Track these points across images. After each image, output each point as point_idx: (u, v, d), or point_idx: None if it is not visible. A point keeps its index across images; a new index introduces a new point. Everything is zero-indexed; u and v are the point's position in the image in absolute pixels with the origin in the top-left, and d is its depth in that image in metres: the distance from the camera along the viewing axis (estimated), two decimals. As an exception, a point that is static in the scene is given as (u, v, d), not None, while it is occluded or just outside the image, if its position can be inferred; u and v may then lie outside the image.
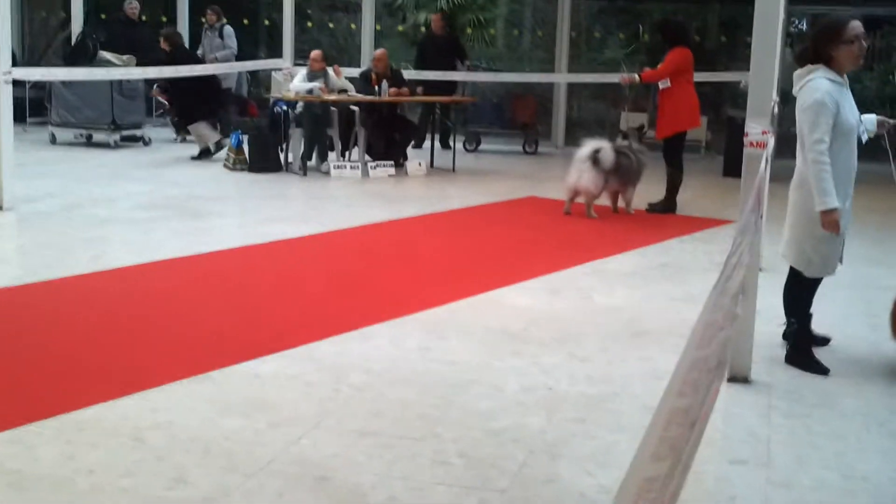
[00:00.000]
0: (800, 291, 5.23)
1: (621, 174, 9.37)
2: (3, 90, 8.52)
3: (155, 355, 4.92)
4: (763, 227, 5.81)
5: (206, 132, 12.75)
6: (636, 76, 10.04)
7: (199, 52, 15.56)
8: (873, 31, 17.78)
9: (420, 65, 14.98)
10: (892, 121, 5.42)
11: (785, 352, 5.25)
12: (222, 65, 14.88)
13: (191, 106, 12.73)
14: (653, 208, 9.80)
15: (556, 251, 7.90)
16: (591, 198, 9.31)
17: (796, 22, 17.98)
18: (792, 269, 5.24)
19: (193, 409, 4.16)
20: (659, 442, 1.47)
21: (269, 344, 5.07)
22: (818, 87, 4.85)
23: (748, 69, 4.95)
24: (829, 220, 4.82)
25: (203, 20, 15.71)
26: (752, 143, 4.76)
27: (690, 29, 11.75)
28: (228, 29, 15.31)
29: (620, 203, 9.67)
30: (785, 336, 5.35)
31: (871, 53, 16.77)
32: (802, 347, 5.18)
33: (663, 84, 9.71)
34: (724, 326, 2.19)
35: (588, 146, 9.33)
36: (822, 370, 5.03)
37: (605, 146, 9.29)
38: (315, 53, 12.28)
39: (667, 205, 9.81)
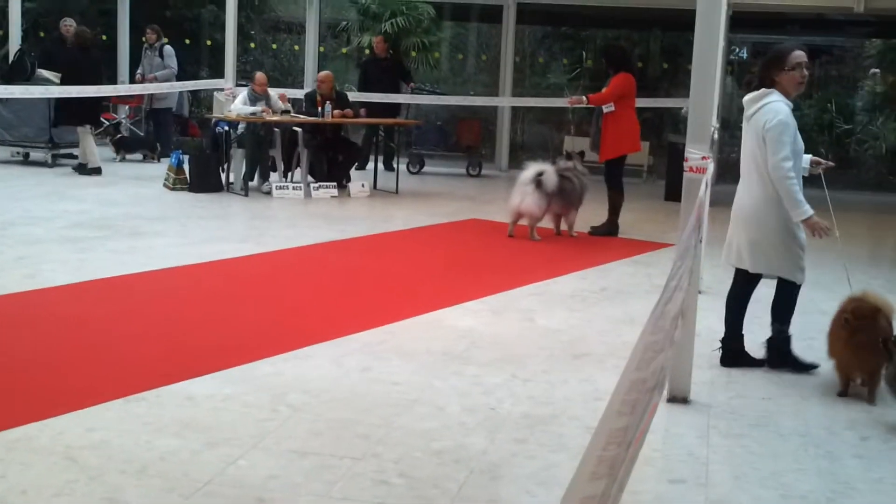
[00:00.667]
0: (789, 299, 5.49)
1: (564, 197, 9.42)
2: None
3: (88, 375, 4.82)
4: (703, 251, 5.88)
5: (92, 149, 12.60)
6: (584, 97, 10.12)
7: (139, 71, 15.43)
8: (813, 61, 18.11)
9: (363, 86, 14.98)
10: (825, 162, 5.71)
11: (766, 357, 5.52)
12: (164, 84, 14.75)
13: (73, 109, 12.51)
14: (595, 231, 9.87)
15: (497, 273, 7.89)
16: (534, 220, 9.35)
17: (737, 50, 18.28)
18: (779, 282, 5.48)
19: (128, 429, 4.07)
20: (597, 461, 1.46)
21: (205, 364, 4.99)
22: (779, 109, 5.18)
23: (689, 95, 5.00)
24: (813, 224, 5.13)
25: (143, 39, 15.56)
26: (691, 168, 4.80)
27: (633, 55, 11.90)
28: (168, 49, 15.19)
29: (563, 226, 9.70)
30: (770, 341, 5.56)
31: (810, 82, 17.15)
32: (786, 350, 5.50)
33: (607, 108, 9.80)
34: (664, 348, 2.19)
35: (531, 169, 9.38)
36: (811, 366, 5.43)
37: (547, 169, 9.34)
38: (259, 76, 12.20)
39: (609, 227, 9.89)
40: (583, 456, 1.49)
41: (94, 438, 3.94)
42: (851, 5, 12.52)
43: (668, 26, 17.46)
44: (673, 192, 12.46)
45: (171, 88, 14.95)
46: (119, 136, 14.71)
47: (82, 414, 4.21)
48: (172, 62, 15.13)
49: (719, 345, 5.57)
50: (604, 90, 9.90)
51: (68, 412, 4.21)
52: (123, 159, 14.03)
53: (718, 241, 5.63)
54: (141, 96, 15.28)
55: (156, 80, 14.80)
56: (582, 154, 10.04)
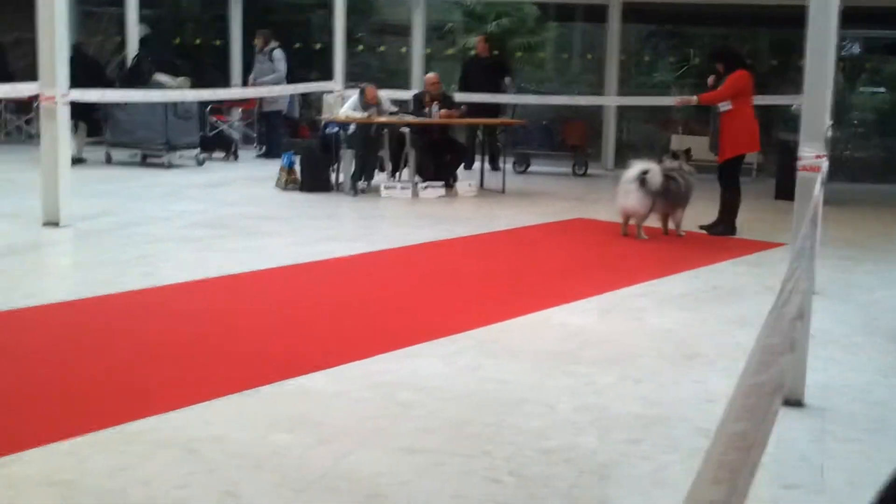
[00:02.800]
0: None
1: (670, 196, 9.32)
2: (60, 111, 8.67)
3: (206, 369, 4.97)
4: (817, 251, 5.76)
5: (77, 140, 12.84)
6: (693, 98, 9.98)
7: (252, 77, 15.76)
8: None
9: (464, 87, 15.02)
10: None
11: None
12: (275, 87, 15.04)
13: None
14: (711, 231, 9.70)
15: (606, 272, 7.86)
16: (639, 219, 9.29)
17: (848, 45, 17.83)
18: None
19: (245, 423, 4.18)
20: (717, 466, 1.47)
21: (319, 360, 5.09)
22: None
23: (799, 92, 4.92)
24: None
25: (253, 44, 15.90)
26: (805, 167, 4.72)
27: (743, 53, 11.72)
28: (278, 52, 15.48)
29: (670, 225, 9.61)
30: None
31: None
32: None
33: (724, 107, 9.65)
34: (783, 351, 2.17)
35: (635, 167, 9.29)
36: None
37: (652, 167, 9.24)
38: (369, 91, 12.25)
39: (726, 227, 9.72)
40: (703, 460, 1.50)
41: (212, 432, 4.06)
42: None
43: (775, 23, 17.11)
44: (783, 191, 12.21)
45: (282, 92, 15.25)
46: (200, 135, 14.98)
47: (201, 407, 4.34)
48: (280, 66, 15.41)
49: None
50: (719, 88, 9.75)
51: (188, 405, 4.34)
52: (208, 158, 14.40)
53: (832, 241, 5.52)
54: (254, 100, 15.62)
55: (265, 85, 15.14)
56: (688, 152, 9.92)
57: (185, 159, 14.00)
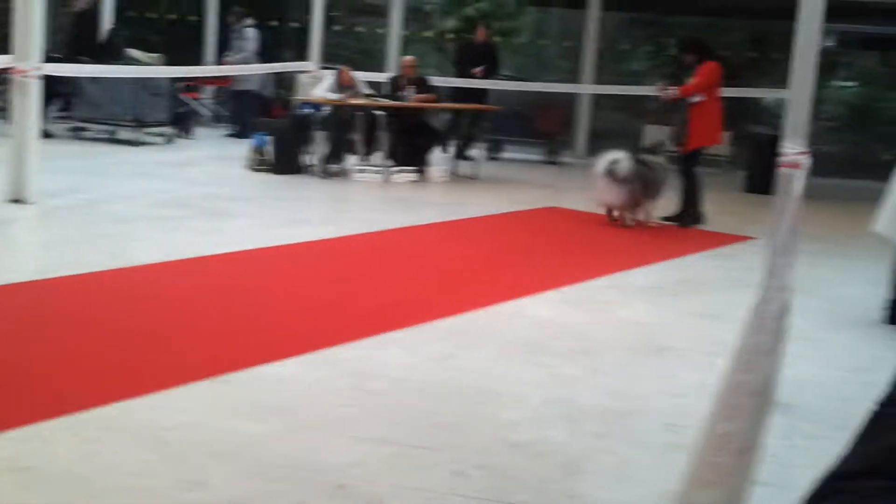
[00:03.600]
0: None
1: (643, 184, 9.34)
2: (32, 85, 8.55)
3: (176, 355, 4.91)
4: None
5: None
6: (675, 90, 9.93)
7: (228, 52, 15.65)
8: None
9: (459, 71, 14.94)
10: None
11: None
12: (251, 66, 14.92)
13: None
14: (681, 221, 9.68)
15: (577, 262, 7.87)
16: (622, 209, 9.37)
17: (822, 40, 17.88)
18: None
19: (215, 410, 4.14)
20: (709, 468, 1.45)
21: (289, 347, 5.05)
22: None
23: (775, 85, 4.93)
24: None
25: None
26: (787, 164, 4.72)
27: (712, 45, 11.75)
28: (250, 31, 15.36)
29: (641, 216, 9.62)
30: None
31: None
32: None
33: (695, 98, 9.65)
34: (771, 350, 2.16)
35: (604, 159, 9.32)
36: None
37: (620, 157, 9.26)
38: (344, 75, 12.17)
39: (693, 217, 9.70)
40: (693, 461, 1.48)
41: (181, 419, 4.01)
42: (946, -4, 12.16)
43: (753, 14, 17.15)
44: (754, 184, 12.30)
45: (256, 70, 15.12)
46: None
47: (170, 394, 4.29)
48: (249, 44, 15.28)
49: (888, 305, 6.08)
50: (691, 80, 9.75)
51: (157, 391, 4.29)
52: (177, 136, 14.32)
53: (808, 236, 5.54)
54: (228, 77, 15.48)
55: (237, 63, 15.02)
56: (662, 144, 9.93)
57: (154, 136, 13.86)
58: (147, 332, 5.23)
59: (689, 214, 9.76)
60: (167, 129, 13.96)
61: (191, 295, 6.10)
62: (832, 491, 0.66)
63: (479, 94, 14.53)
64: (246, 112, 15.39)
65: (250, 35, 15.36)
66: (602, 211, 9.56)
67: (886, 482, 0.65)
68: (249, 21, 15.45)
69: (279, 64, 15.96)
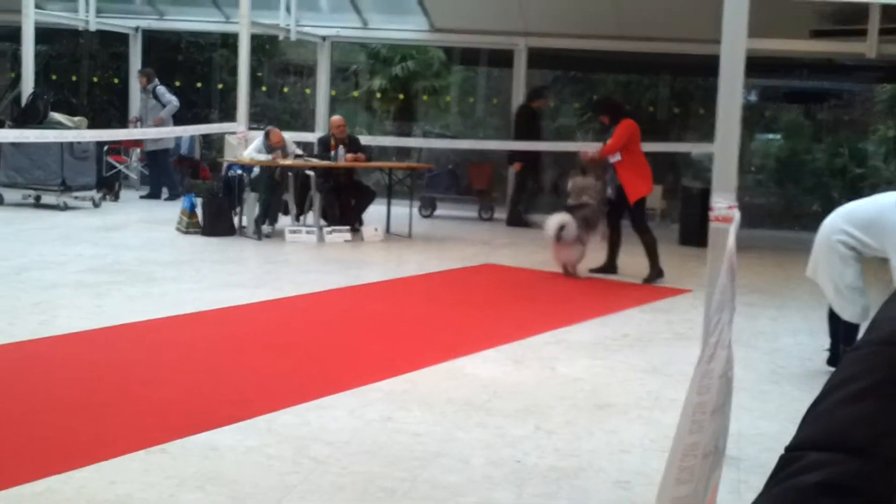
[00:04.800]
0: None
1: (589, 228, 9.72)
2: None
3: (108, 426, 4.75)
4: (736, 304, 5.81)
5: None
6: (596, 153, 10.06)
7: (135, 115, 15.53)
8: (822, 104, 18.18)
9: (518, 135, 15.07)
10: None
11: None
12: (178, 128, 14.80)
13: None
14: (648, 280, 9.71)
15: (516, 320, 7.83)
16: (573, 264, 9.74)
17: (745, 94, 18.31)
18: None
19: (151, 482, 4.00)
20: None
21: (226, 414, 4.91)
22: None
23: (700, 139, 4.98)
24: None
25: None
26: (717, 218, 4.74)
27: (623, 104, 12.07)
28: (160, 88, 15.27)
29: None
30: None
31: (820, 126, 17.12)
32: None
33: (614, 158, 9.81)
34: (716, 409, 2.12)
35: (551, 223, 9.52)
36: None
37: (566, 221, 9.46)
38: (274, 135, 12.13)
39: (655, 272, 9.75)
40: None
41: (117, 492, 3.87)
42: (863, 51, 12.52)
43: (677, 70, 17.51)
44: (687, 237, 12.44)
45: (183, 132, 15.01)
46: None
47: (104, 466, 4.14)
48: (167, 97, 15.16)
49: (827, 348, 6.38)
50: (608, 141, 9.89)
51: (90, 464, 4.13)
52: (104, 197, 14.12)
53: (744, 288, 5.58)
54: (141, 140, 15.32)
55: (162, 121, 14.88)
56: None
57: (80, 201, 13.62)
58: (77, 403, 5.06)
59: (652, 269, 9.77)
60: (94, 193, 13.73)
61: (123, 363, 5.93)
62: None
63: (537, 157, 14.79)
64: (161, 173, 15.21)
65: (164, 90, 15.23)
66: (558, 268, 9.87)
67: None
68: (157, 82, 15.32)
69: (206, 125, 15.86)
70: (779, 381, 6.21)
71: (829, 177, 17.52)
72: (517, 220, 14.24)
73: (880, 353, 0.71)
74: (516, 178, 14.77)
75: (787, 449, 0.73)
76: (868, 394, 0.69)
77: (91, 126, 14.53)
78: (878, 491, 0.62)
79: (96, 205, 13.69)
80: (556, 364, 6.39)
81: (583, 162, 10.22)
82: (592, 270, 9.99)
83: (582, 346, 6.92)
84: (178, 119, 15.63)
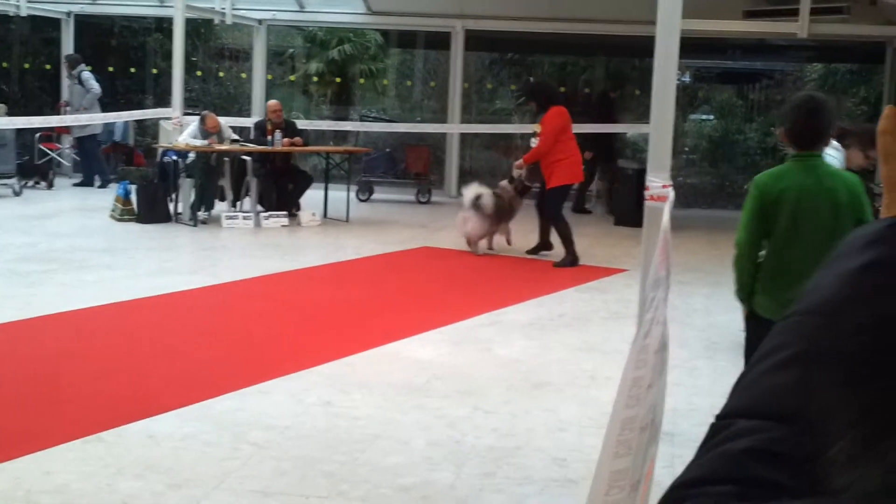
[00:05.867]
0: None
1: (497, 214, 9.82)
2: None
3: (43, 415, 4.70)
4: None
5: None
6: (521, 162, 10.01)
7: (63, 101, 15.27)
8: (754, 85, 18.42)
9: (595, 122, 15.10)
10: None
11: None
12: (111, 114, 14.58)
13: None
14: (560, 264, 9.72)
15: (453, 302, 7.87)
16: (478, 239, 9.87)
17: (679, 75, 18.50)
18: None
19: (88, 471, 3.97)
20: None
21: (164, 401, 4.89)
22: None
23: (634, 120, 5.03)
24: None
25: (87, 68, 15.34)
26: (653, 197, 4.80)
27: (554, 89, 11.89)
28: (85, 74, 14.95)
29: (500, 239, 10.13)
30: None
31: (752, 106, 17.36)
32: None
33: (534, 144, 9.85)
34: (652, 383, 2.17)
35: (468, 193, 9.71)
36: None
37: (483, 191, 9.58)
38: (210, 119, 11.99)
39: (570, 259, 9.77)
40: (587, 500, 1.46)
41: (53, 482, 3.84)
42: (795, 31, 12.70)
43: (613, 52, 17.63)
44: (622, 217, 12.56)
45: (117, 118, 14.78)
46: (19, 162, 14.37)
47: (40, 456, 4.10)
48: (92, 84, 14.89)
49: None
50: (538, 136, 9.81)
51: (26, 454, 4.10)
52: (26, 187, 13.87)
53: (678, 267, 5.66)
54: (69, 126, 15.05)
55: (85, 110, 14.61)
56: (519, 178, 10.10)
57: (1, 188, 13.35)
58: (11, 394, 5.01)
59: (567, 256, 9.77)
60: (14, 181, 13.44)
61: (57, 352, 5.87)
62: (677, 498, 0.71)
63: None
64: (89, 159, 14.95)
65: (89, 76, 14.96)
66: (465, 245, 9.97)
67: (729, 487, 0.70)
68: (83, 66, 15.05)
69: (140, 111, 15.63)
70: (712, 356, 6.33)
71: (761, 156, 17.78)
72: (580, 207, 14.27)
73: (804, 323, 0.74)
74: (587, 167, 14.88)
75: (717, 417, 0.76)
76: (792, 362, 0.73)
77: (23, 112, 14.27)
78: (802, 455, 0.65)
79: (17, 193, 13.37)
80: (492, 345, 6.44)
81: (517, 170, 10.21)
82: (529, 252, 10.04)
83: (518, 327, 6.98)
84: (112, 105, 15.39)
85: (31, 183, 14.17)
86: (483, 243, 10.08)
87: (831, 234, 3.77)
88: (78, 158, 15.49)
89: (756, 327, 4.08)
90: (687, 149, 18.55)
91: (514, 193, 10.04)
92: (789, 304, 0.78)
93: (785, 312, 0.78)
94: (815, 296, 0.76)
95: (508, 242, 10.21)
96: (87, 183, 14.72)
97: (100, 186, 14.68)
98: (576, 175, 10.07)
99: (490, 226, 9.90)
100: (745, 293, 4.12)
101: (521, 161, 10.11)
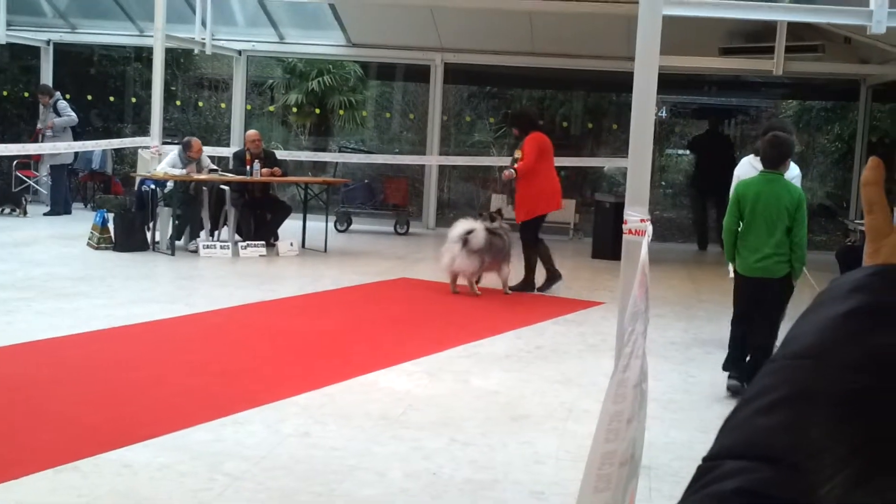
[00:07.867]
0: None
1: (494, 253, 9.45)
2: None
3: (16, 444, 4.67)
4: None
5: None
6: (513, 172, 10.03)
7: (39, 126, 15.19)
8: (730, 120, 18.59)
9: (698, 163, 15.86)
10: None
11: None
12: (89, 143, 14.54)
13: None
14: (515, 288, 9.79)
15: (430, 333, 7.87)
16: (469, 276, 9.45)
17: (656, 110, 18.65)
18: None
19: (62, 501, 3.94)
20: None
21: (140, 431, 4.86)
22: None
23: (613, 154, 5.08)
24: None
25: (64, 98, 15.28)
26: (630, 231, 4.83)
27: (536, 115, 11.95)
28: (61, 103, 14.86)
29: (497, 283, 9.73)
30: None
31: (729, 141, 17.48)
32: None
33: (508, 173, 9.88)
34: (631, 418, 2.18)
35: (459, 226, 9.41)
36: None
37: (476, 227, 9.36)
38: (195, 144, 11.98)
39: (524, 284, 9.82)
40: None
41: (26, 512, 3.81)
42: (770, 68, 12.86)
43: (591, 86, 17.76)
44: (600, 250, 12.61)
45: (95, 146, 14.75)
46: None
47: (12, 486, 4.07)
48: (68, 112, 14.80)
49: None
50: (521, 158, 9.87)
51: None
52: (12, 212, 13.80)
53: (656, 300, 5.67)
54: (39, 154, 14.96)
55: (54, 125, 14.48)
56: (500, 212, 10.08)
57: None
58: (-14, 422, 4.96)
59: (523, 280, 9.84)
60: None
61: (32, 380, 5.82)
62: None
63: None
64: (58, 188, 14.80)
65: (65, 105, 14.89)
66: (447, 279, 9.65)
67: None
68: (58, 95, 14.99)
69: (118, 140, 15.62)
70: (689, 390, 6.35)
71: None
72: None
73: (791, 367, 0.75)
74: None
75: (705, 459, 0.77)
76: (779, 405, 0.73)
77: (0, 140, 14.19)
78: (791, 496, 0.66)
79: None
80: (470, 377, 6.44)
81: (505, 179, 10.23)
82: (539, 289, 9.92)
83: (496, 359, 6.98)
84: (89, 134, 15.32)
85: (6, 210, 14.10)
86: (475, 284, 9.60)
87: (774, 223, 6.02)
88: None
89: (737, 278, 6.28)
90: (664, 183, 18.67)
91: (506, 230, 9.73)
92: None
93: (770, 357, 0.79)
94: (799, 341, 0.77)
95: (505, 289, 9.75)
96: (54, 212, 14.53)
97: (46, 214, 14.47)
98: (552, 204, 10.08)
99: (480, 264, 9.45)
100: (730, 256, 6.28)
101: (509, 171, 10.02)
